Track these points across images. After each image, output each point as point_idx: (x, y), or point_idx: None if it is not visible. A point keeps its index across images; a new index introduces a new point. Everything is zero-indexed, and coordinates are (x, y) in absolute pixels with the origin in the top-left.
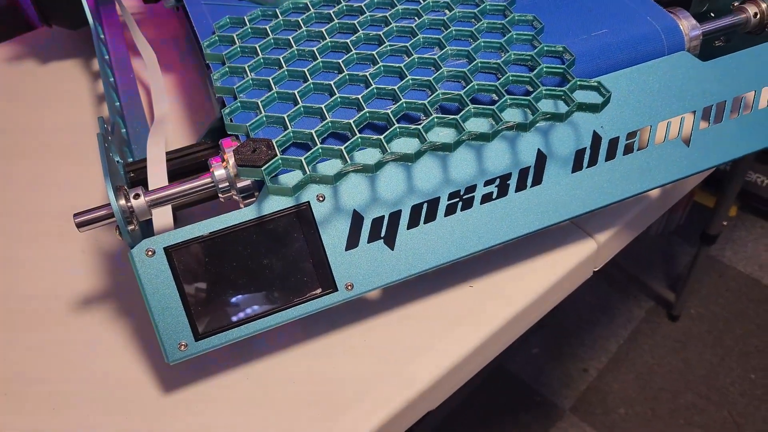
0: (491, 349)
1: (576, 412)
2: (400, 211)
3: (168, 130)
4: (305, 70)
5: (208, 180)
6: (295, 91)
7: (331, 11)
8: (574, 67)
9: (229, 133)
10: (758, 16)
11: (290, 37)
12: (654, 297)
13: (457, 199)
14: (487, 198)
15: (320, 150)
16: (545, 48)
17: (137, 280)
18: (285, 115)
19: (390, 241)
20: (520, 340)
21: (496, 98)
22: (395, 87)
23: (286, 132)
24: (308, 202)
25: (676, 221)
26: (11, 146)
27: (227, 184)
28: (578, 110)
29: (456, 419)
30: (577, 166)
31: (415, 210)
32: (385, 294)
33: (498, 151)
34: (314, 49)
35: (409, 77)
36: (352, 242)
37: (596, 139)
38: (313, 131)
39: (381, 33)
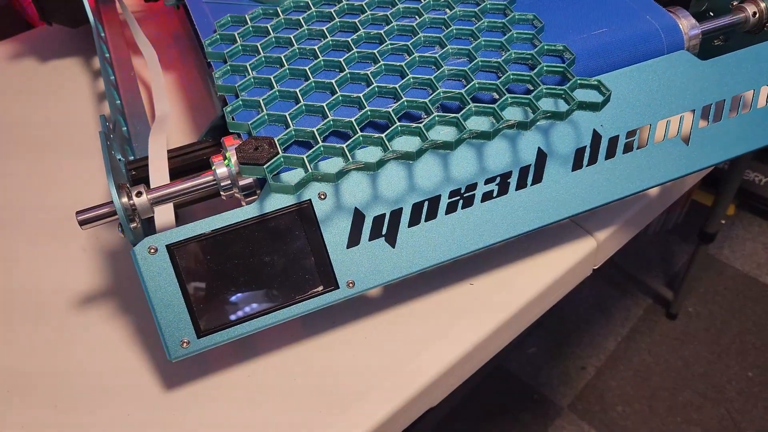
0: (492, 346)
1: (574, 410)
2: (401, 209)
3: (169, 129)
4: (306, 68)
5: (210, 178)
6: (297, 90)
7: (332, 10)
8: (574, 66)
9: (231, 131)
10: (757, 15)
11: (291, 36)
12: (652, 295)
13: (458, 198)
14: (487, 196)
15: (322, 148)
16: (545, 47)
17: (140, 278)
18: (287, 114)
19: (391, 239)
20: (518, 339)
21: (497, 97)
22: (396, 85)
23: (287, 130)
24: (310, 200)
25: (674, 220)
26: (11, 144)
27: (229, 182)
28: (578, 109)
29: (455, 418)
30: (577, 165)
31: (416, 208)
32: (386, 291)
33: (498, 149)
34: (315, 47)
35: (410, 76)
36: (354, 240)
37: (596, 137)
38: (314, 129)
39: (382, 32)
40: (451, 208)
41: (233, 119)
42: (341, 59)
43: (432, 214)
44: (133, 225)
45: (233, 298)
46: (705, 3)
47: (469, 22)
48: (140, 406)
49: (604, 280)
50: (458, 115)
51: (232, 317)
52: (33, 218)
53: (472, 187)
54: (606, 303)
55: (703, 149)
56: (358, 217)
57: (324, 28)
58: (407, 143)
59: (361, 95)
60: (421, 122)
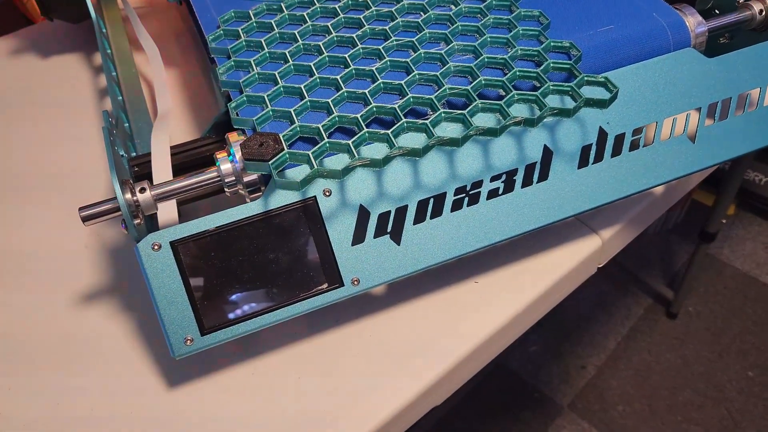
0: (496, 344)
1: (574, 408)
2: (406, 206)
3: (171, 125)
4: (311, 64)
5: (215, 174)
6: (302, 86)
7: (336, 6)
8: (580, 63)
9: (235, 127)
10: (763, 13)
11: (296, 32)
12: (652, 294)
13: (464, 195)
14: (493, 193)
15: (327, 144)
16: (552, 43)
17: (143, 275)
18: (291, 110)
19: (396, 237)
20: (519, 337)
21: (503, 93)
22: (402, 82)
23: (292, 126)
24: (315, 196)
25: (675, 219)
26: (11, 140)
27: (234, 178)
28: (586, 106)
29: (455, 415)
30: (583, 162)
31: (422, 205)
32: (391, 289)
33: (504, 146)
34: (320, 43)
35: (415, 72)
36: (359, 237)
37: (602, 135)
38: (320, 125)
39: (387, 28)
40: (456, 206)
41: (237, 115)
42: (346, 55)
43: (437, 212)
44: (137, 221)
45: (237, 296)
46: (711, 0)
47: (475, 19)
48: (143, 404)
49: (604, 279)
50: (465, 112)
51: (236, 315)
52: (34, 215)
53: (478, 184)
54: (606, 302)
55: (709, 147)
56: (363, 214)
57: (329, 24)
58: (413, 140)
59: (366, 91)
60: (427, 119)
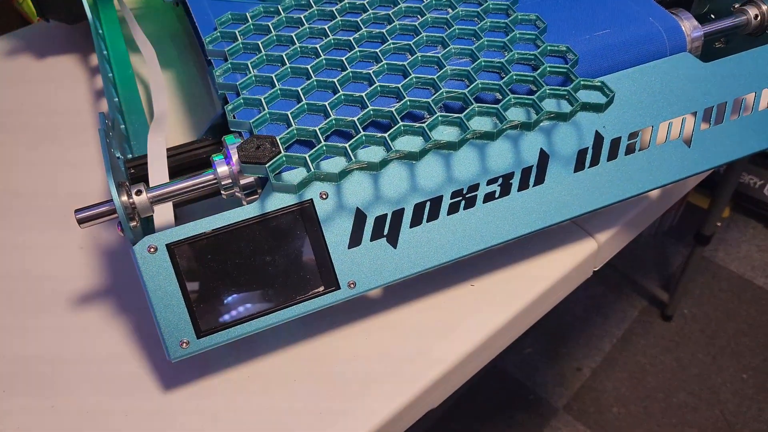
0: (493, 347)
1: (570, 410)
2: (403, 209)
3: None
4: (308, 67)
5: (211, 177)
6: (299, 89)
7: (333, 9)
8: (577, 67)
9: (232, 129)
10: (759, 18)
11: (293, 34)
12: (647, 297)
13: (460, 198)
14: (489, 197)
15: (324, 147)
16: (548, 47)
17: (139, 277)
18: (288, 113)
19: (393, 240)
20: (514, 340)
21: (500, 97)
22: (399, 85)
23: (289, 129)
24: (311, 199)
25: (670, 222)
26: (7, 142)
27: (230, 181)
28: (582, 110)
29: (451, 417)
30: (579, 166)
31: (418, 208)
32: (387, 292)
33: (501, 150)
34: (317, 46)
35: (412, 75)
36: (355, 240)
37: (598, 139)
38: (317, 128)
39: (384, 31)
40: (453, 209)
41: (234, 117)
42: (343, 58)
43: (434, 215)
44: (133, 224)
45: (233, 298)
46: (707, 5)
47: (472, 22)
48: (139, 407)
49: (600, 282)
50: (461, 115)
51: (232, 317)
52: (29, 216)
53: (475, 187)
54: (602, 304)
55: (704, 151)
56: (360, 217)
57: (326, 27)
58: (410, 143)
59: (363, 94)
60: (424, 122)
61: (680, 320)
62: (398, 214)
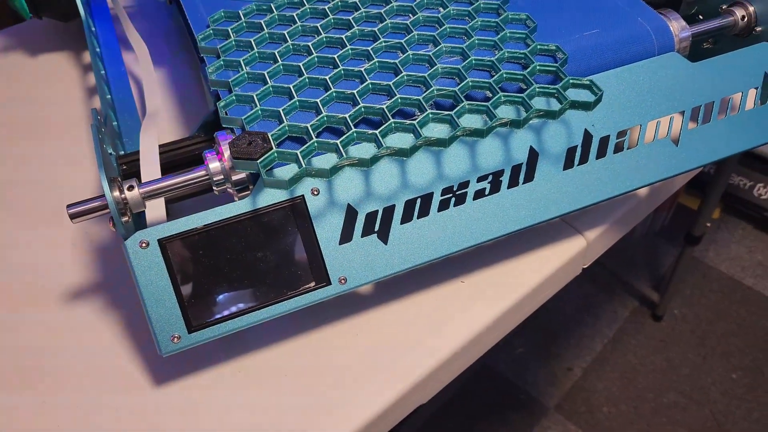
0: (482, 344)
1: (561, 410)
2: (393, 205)
3: (160, 124)
4: (300, 64)
5: (203, 173)
6: (291, 86)
7: (326, 7)
8: (566, 66)
9: (224, 126)
10: (746, 19)
11: (285, 32)
12: (638, 297)
13: (450, 195)
14: (479, 194)
15: (316, 144)
16: (538, 46)
17: (131, 272)
18: (280, 109)
19: (383, 236)
20: (506, 339)
21: (490, 95)
22: (390, 83)
23: (281, 125)
24: (303, 195)
25: (661, 222)
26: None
27: (222, 176)
28: (571, 108)
29: (442, 416)
30: (568, 164)
31: (409, 205)
32: (378, 288)
33: (491, 148)
34: (309, 44)
35: (404, 73)
36: (346, 236)
37: (587, 137)
38: (308, 125)
39: (376, 29)
40: (443, 206)
41: (226, 114)
42: (335, 56)
43: (424, 212)
44: (125, 219)
45: (225, 294)
46: (695, 6)
47: (463, 21)
48: (130, 402)
49: (591, 282)
50: (452, 113)
51: (224, 313)
52: (21, 213)
53: (465, 184)
54: (593, 305)
55: (692, 150)
56: (351, 213)
57: (318, 25)
58: (401, 140)
59: (355, 92)
60: (414, 119)
61: (671, 320)
62: (389, 211)
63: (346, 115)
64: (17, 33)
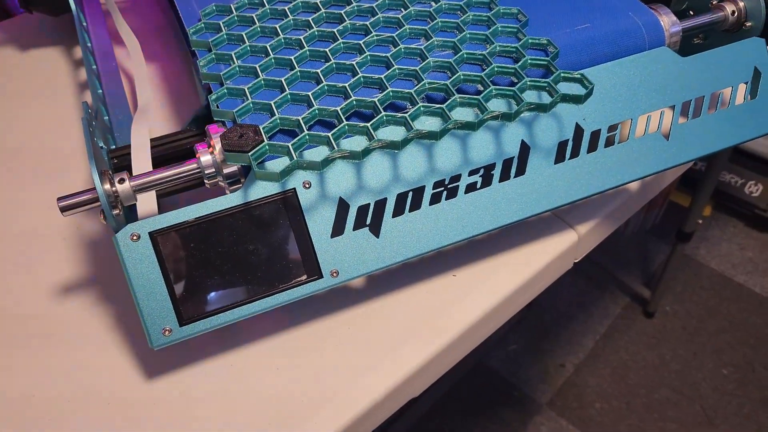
0: (474, 337)
1: (553, 406)
2: (385, 199)
3: (152, 119)
4: (292, 58)
5: (194, 166)
6: (282, 79)
7: (317, 1)
8: (557, 60)
9: (215, 119)
10: (735, 14)
11: (277, 26)
12: (630, 294)
13: (442, 188)
14: (471, 187)
15: (307, 136)
16: (530, 40)
17: (121, 265)
18: (272, 102)
19: (375, 229)
20: (498, 336)
21: (482, 88)
22: (382, 76)
23: (273, 118)
24: (294, 188)
25: (652, 220)
26: None
27: (213, 170)
28: (562, 101)
29: (435, 414)
30: (559, 158)
31: (401, 198)
32: (370, 281)
33: (482, 141)
34: (301, 37)
35: (395, 67)
36: (338, 229)
37: (578, 131)
38: (300, 118)
39: (368, 23)
40: (435, 199)
41: (218, 107)
42: (327, 49)
43: (416, 205)
44: (116, 212)
45: (216, 287)
46: (686, 1)
47: (455, 15)
48: (121, 395)
49: (583, 279)
50: (443, 106)
51: (215, 306)
52: (11, 208)
53: (456, 178)
54: (585, 301)
55: (682, 144)
56: (343, 206)
57: (310, 19)
58: (392, 133)
59: (346, 85)
60: (406, 112)
61: (662, 317)
62: (381, 204)
63: (338, 108)
64: (7, 28)
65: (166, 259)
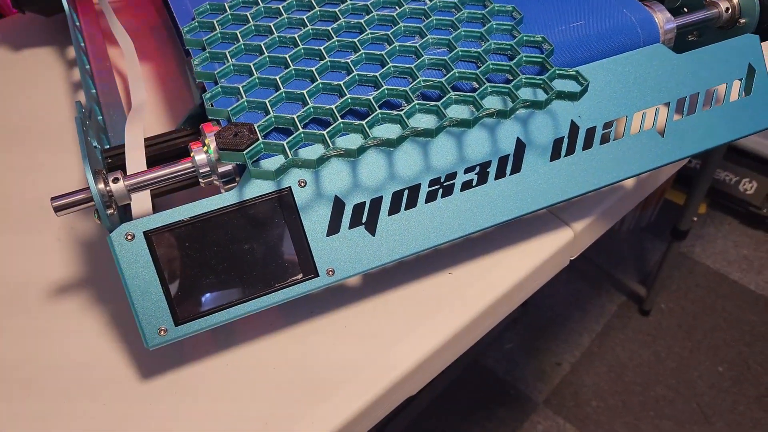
0: (470, 335)
1: (549, 405)
2: (381, 197)
3: (146, 118)
4: (286, 56)
5: (189, 165)
6: (277, 77)
7: None
8: (552, 57)
9: (210, 117)
10: (729, 11)
11: (271, 24)
12: (626, 292)
13: (438, 186)
14: (467, 185)
15: (302, 134)
16: (524, 38)
17: (116, 265)
18: (267, 101)
19: (371, 227)
20: (495, 336)
21: (477, 86)
22: (377, 74)
23: (267, 117)
24: (290, 187)
25: (648, 218)
26: None
27: (208, 168)
28: (557, 98)
29: (432, 412)
30: (555, 155)
31: (396, 196)
32: (366, 280)
33: (478, 139)
34: (295, 36)
35: (390, 65)
36: (334, 228)
37: (574, 128)
38: (294, 116)
39: (362, 21)
40: (430, 197)
41: (212, 106)
42: (321, 48)
43: (412, 203)
44: (110, 211)
45: (211, 286)
46: None
47: (449, 13)
48: (117, 396)
49: (579, 278)
50: (438, 104)
51: (211, 305)
52: (6, 208)
53: (452, 176)
54: (581, 300)
55: (677, 141)
56: (338, 204)
57: (304, 17)
58: (388, 131)
59: (341, 83)
60: (401, 110)
61: (658, 315)
62: (376, 202)
63: (333, 106)
64: (0, 28)
65: (161, 258)
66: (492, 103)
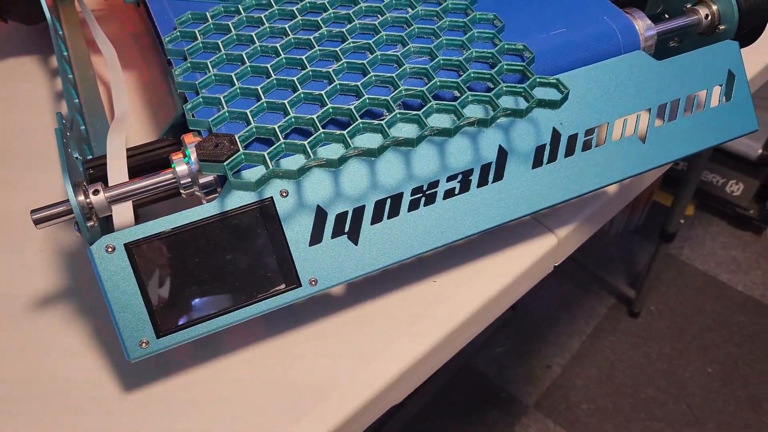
0: (455, 343)
1: (540, 408)
2: (363, 206)
3: (128, 128)
4: (268, 66)
5: (170, 176)
6: (258, 87)
7: (294, 8)
8: (533, 65)
9: (191, 128)
10: (709, 18)
11: (253, 34)
12: (615, 294)
13: (420, 195)
14: (449, 193)
15: (283, 145)
16: (506, 46)
17: (97, 277)
18: (248, 111)
19: (354, 237)
20: (485, 339)
21: (458, 95)
22: (358, 83)
23: (248, 127)
24: (272, 197)
25: (636, 220)
26: None
27: (189, 179)
28: (538, 107)
29: (423, 417)
30: (537, 162)
31: (379, 205)
32: (350, 289)
33: (460, 147)
34: (277, 45)
35: (372, 74)
36: (316, 237)
37: (555, 135)
38: (275, 126)
39: (344, 30)
40: (413, 206)
41: (193, 116)
42: (303, 57)
43: (394, 212)
44: (90, 224)
45: (194, 297)
46: (660, 5)
47: (431, 21)
48: (99, 410)
49: (568, 280)
50: (419, 113)
51: (193, 316)
52: None
53: (434, 184)
54: (570, 302)
55: (659, 147)
56: (321, 214)
57: (286, 26)
58: (369, 140)
59: (323, 93)
60: (383, 119)
61: (647, 316)
62: (359, 211)
63: (314, 116)
64: None
65: (143, 270)
66: (473, 111)
